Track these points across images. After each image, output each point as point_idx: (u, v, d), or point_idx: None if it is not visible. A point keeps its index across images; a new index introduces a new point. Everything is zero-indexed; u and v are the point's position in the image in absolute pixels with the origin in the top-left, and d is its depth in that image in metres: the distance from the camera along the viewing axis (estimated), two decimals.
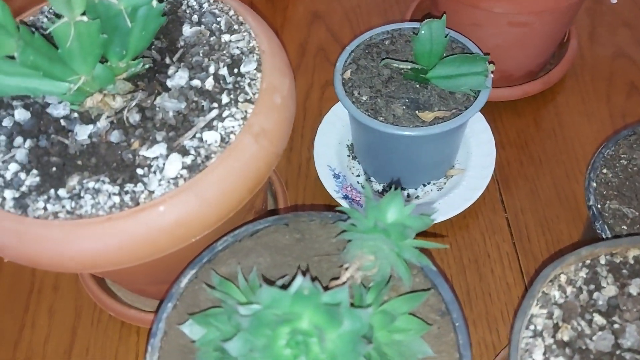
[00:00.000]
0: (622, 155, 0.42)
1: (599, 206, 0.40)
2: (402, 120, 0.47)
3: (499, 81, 0.59)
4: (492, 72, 0.48)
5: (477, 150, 0.56)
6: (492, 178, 0.55)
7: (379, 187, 0.56)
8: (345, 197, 0.54)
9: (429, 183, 0.55)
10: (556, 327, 0.31)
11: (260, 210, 0.46)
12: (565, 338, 0.30)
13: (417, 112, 0.48)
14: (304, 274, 0.26)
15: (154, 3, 0.36)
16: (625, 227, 0.39)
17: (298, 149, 0.60)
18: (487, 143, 0.56)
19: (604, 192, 0.41)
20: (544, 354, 0.30)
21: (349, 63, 0.52)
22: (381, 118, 0.47)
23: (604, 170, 0.42)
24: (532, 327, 0.31)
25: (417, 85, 0.49)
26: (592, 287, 0.33)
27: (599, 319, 0.31)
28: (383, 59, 0.50)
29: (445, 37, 0.47)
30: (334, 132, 0.58)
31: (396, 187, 0.55)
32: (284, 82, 0.39)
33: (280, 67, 0.40)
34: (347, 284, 0.30)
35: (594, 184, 0.42)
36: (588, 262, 0.33)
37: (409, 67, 0.48)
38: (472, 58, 0.47)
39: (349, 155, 0.58)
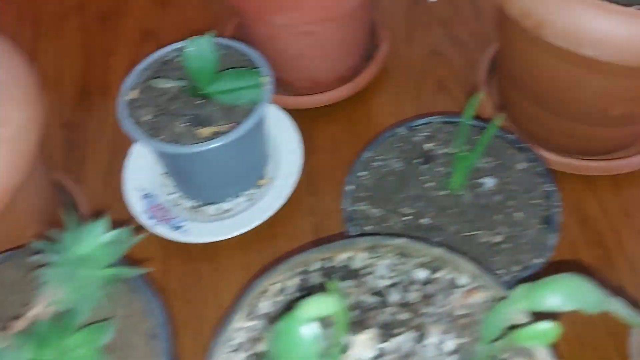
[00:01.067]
0: (378, 157, 0.44)
1: (351, 208, 0.42)
2: (183, 137, 0.48)
3: (310, 88, 0.61)
4: (269, 84, 0.49)
5: (285, 159, 0.57)
6: (303, 184, 0.57)
7: (191, 204, 0.56)
8: (152, 218, 0.54)
9: (239, 195, 0.56)
10: (257, 339, 0.32)
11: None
12: (265, 349, 0.31)
13: (197, 128, 0.48)
14: None
15: None
16: (372, 227, 0.40)
17: (117, 173, 0.60)
18: (294, 151, 0.57)
19: (359, 195, 0.42)
20: None
21: (140, 82, 0.52)
22: (162, 137, 0.48)
23: (362, 173, 0.44)
24: (233, 341, 0.32)
25: (201, 102, 0.50)
26: (304, 293, 0.34)
27: None
28: (151, 79, 0.50)
29: (217, 51, 0.48)
30: (148, 152, 0.58)
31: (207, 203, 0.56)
32: (19, 114, 0.39)
33: (18, 98, 0.39)
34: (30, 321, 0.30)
35: (351, 187, 0.43)
36: (301, 269, 0.34)
37: (182, 84, 0.49)
38: (247, 72, 0.48)
39: (162, 174, 0.58)
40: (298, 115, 0.62)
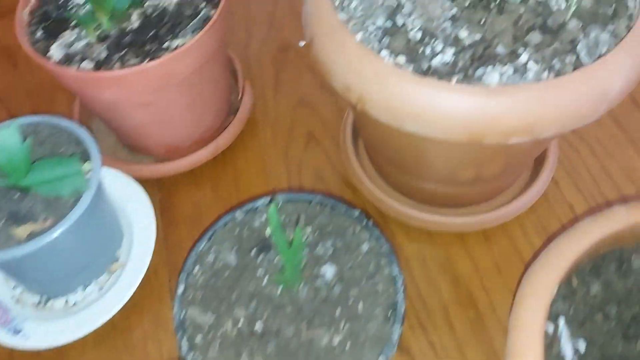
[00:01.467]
0: (214, 248, 0.39)
1: (182, 316, 0.37)
2: None
3: (169, 153, 0.56)
4: (95, 169, 0.43)
5: (139, 238, 0.51)
6: (162, 263, 0.52)
7: (36, 299, 0.50)
8: None
9: (89, 284, 0.50)
10: None
11: None
12: None
13: (14, 227, 0.42)
14: None
15: None
16: (201, 336, 0.36)
17: None
18: (147, 228, 0.52)
19: (191, 297, 0.38)
20: None
21: None
22: None
23: (196, 269, 0.39)
24: None
25: (19, 196, 0.44)
26: None
27: None
28: None
29: (34, 135, 0.42)
30: None
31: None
32: None
33: None
34: None
35: (182, 288, 0.38)
36: None
37: None
38: (65, 160, 0.43)
39: None
40: (158, 183, 0.57)
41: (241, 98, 0.59)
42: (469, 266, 0.49)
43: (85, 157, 0.46)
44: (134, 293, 0.49)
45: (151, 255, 0.50)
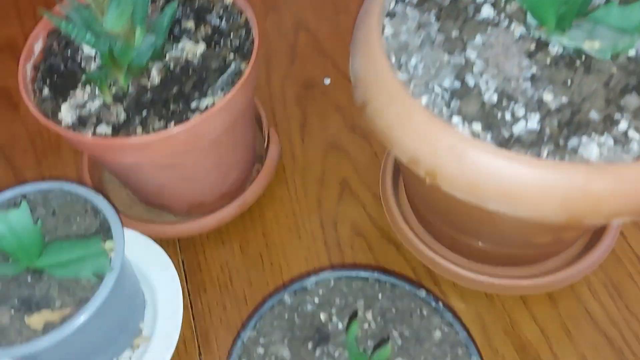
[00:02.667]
0: (263, 338, 0.35)
1: None
2: (10, 331, 0.37)
3: (192, 210, 0.51)
4: (119, 248, 0.38)
5: (163, 310, 0.46)
6: (190, 336, 0.47)
7: None
8: None
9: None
10: None
11: None
12: None
13: (28, 316, 0.37)
14: None
15: None
16: None
17: None
18: (172, 299, 0.46)
19: None
20: None
21: None
22: None
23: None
24: None
25: (33, 279, 0.39)
26: None
27: None
28: None
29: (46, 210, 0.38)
30: None
31: None
32: None
33: None
34: None
35: None
36: None
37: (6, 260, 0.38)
38: (84, 241, 0.38)
39: None
40: (180, 243, 0.52)
41: (267, 147, 0.54)
42: (536, 331, 0.44)
43: (104, 229, 0.41)
44: None
45: (179, 330, 0.45)
